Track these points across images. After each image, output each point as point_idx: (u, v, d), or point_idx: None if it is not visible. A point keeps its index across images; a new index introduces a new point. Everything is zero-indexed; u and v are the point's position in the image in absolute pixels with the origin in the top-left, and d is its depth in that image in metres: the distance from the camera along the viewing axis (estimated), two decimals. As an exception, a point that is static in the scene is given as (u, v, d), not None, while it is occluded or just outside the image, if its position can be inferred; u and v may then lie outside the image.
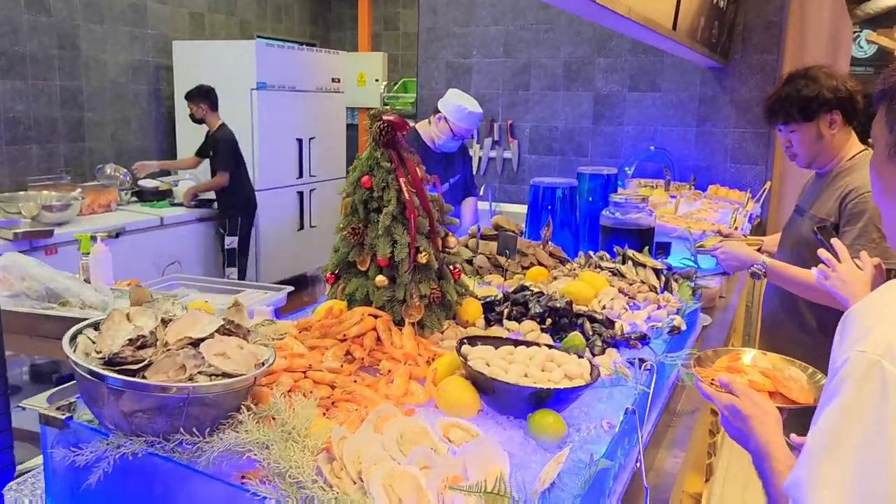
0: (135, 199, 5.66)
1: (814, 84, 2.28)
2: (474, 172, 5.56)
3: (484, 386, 1.36)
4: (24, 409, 1.73)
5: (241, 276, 5.86)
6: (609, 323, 1.84)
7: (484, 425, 1.32)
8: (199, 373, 1.13)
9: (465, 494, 1.04)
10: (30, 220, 4.61)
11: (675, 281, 2.31)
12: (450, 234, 1.84)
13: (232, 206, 5.65)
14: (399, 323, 1.71)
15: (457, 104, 3.52)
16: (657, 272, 2.30)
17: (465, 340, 1.50)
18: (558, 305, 1.82)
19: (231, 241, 5.71)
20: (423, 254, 1.70)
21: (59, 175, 5.58)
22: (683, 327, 1.96)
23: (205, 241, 5.80)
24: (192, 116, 5.58)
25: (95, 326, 1.21)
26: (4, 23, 5.19)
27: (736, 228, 3.24)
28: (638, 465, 1.35)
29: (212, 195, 5.70)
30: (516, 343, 1.54)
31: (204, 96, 5.47)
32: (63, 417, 1.19)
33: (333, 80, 7.17)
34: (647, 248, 2.53)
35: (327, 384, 1.40)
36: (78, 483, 1.16)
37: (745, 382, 1.42)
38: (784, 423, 1.27)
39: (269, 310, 2.23)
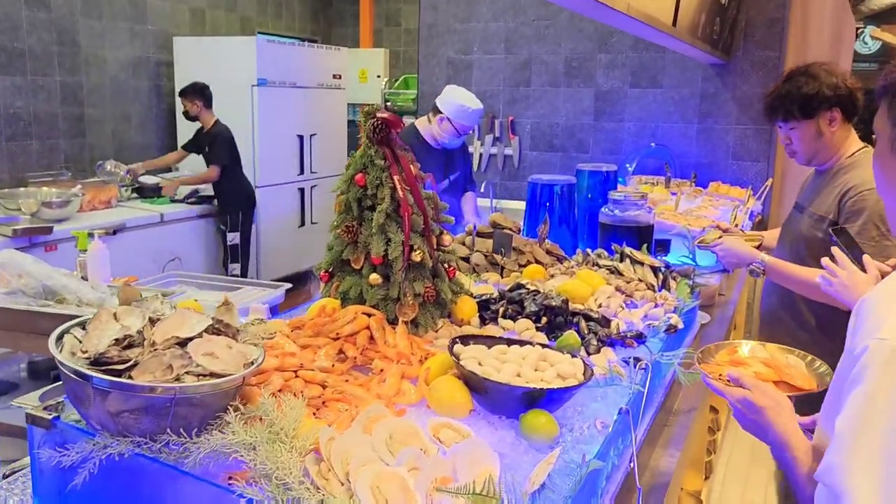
0: (135, 195, 5.66)
1: (814, 81, 2.27)
2: (475, 169, 5.57)
3: (476, 386, 1.35)
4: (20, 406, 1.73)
5: (243, 272, 5.86)
6: (605, 322, 1.82)
7: (476, 425, 1.31)
8: (187, 373, 1.12)
9: (453, 496, 1.03)
10: (29, 217, 4.60)
11: (674, 279, 2.29)
12: (444, 232, 1.83)
13: (230, 202, 5.65)
14: (393, 321, 1.69)
15: (458, 104, 3.51)
16: (655, 270, 2.28)
17: (457, 340, 1.48)
18: (554, 304, 1.81)
19: (233, 237, 5.71)
20: (418, 252, 1.69)
21: (59, 171, 5.57)
22: (680, 326, 1.95)
23: (206, 237, 5.79)
24: (186, 114, 5.58)
25: (83, 326, 1.20)
26: (4, 19, 5.18)
27: (736, 225, 3.22)
28: (632, 465, 1.34)
29: (211, 192, 5.70)
30: (510, 342, 1.53)
31: (198, 93, 5.47)
32: (50, 417, 1.18)
33: (334, 76, 7.15)
34: (645, 245, 2.51)
35: (318, 383, 1.39)
36: (65, 483, 1.15)
37: (751, 374, 1.44)
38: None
39: (264, 308, 2.22)
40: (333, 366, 1.46)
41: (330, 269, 1.81)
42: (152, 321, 1.20)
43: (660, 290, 2.21)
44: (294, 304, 2.32)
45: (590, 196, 3.01)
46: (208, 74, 5.95)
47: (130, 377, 1.09)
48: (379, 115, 1.68)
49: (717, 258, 2.53)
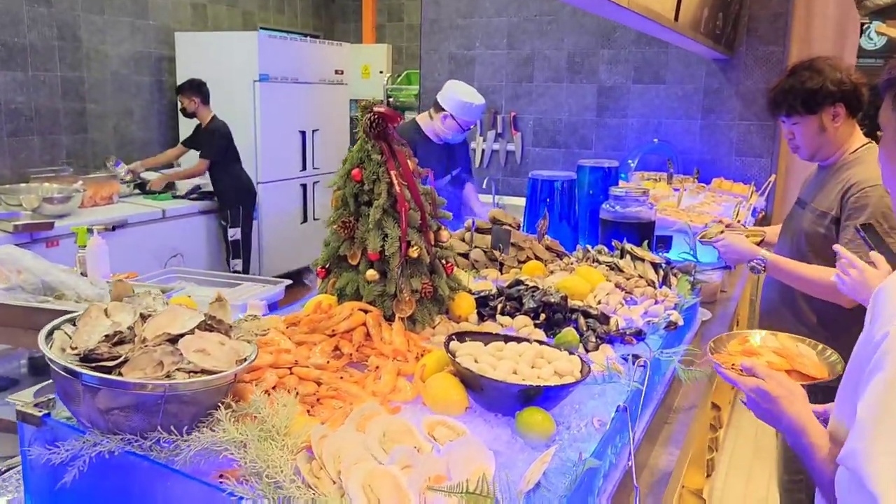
0: (137, 191, 5.65)
1: (818, 76, 2.24)
2: (477, 165, 5.55)
3: (472, 383, 1.34)
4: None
5: (245, 268, 5.85)
6: (604, 318, 1.81)
7: (471, 423, 1.29)
8: (178, 370, 1.11)
9: (445, 495, 1.01)
10: (30, 213, 4.60)
11: (674, 275, 2.27)
12: (442, 227, 1.81)
13: (229, 196, 5.63)
14: (390, 318, 1.68)
15: (460, 100, 3.49)
16: (656, 266, 2.26)
17: (453, 336, 1.47)
18: (553, 300, 1.79)
19: (234, 233, 5.70)
20: (415, 248, 1.68)
21: (61, 167, 5.56)
22: (680, 323, 1.93)
23: (207, 233, 5.78)
24: (183, 110, 5.58)
25: (73, 322, 1.19)
26: (4, 13, 5.17)
27: (739, 221, 3.20)
28: (629, 463, 1.33)
29: (210, 187, 5.69)
30: (507, 339, 1.51)
31: (196, 90, 5.46)
32: (40, 415, 1.17)
33: (337, 71, 7.13)
34: (646, 242, 2.50)
35: (313, 380, 1.38)
36: (57, 481, 1.14)
37: (763, 364, 1.45)
38: None
39: (262, 304, 2.21)
40: (328, 362, 1.45)
41: (327, 265, 1.80)
42: (143, 317, 1.18)
43: (660, 287, 2.19)
44: (295, 300, 2.31)
45: (591, 192, 2.99)
46: (210, 70, 5.93)
47: (120, 374, 1.08)
48: (376, 109, 1.66)
49: (719, 254, 2.52)
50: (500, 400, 1.32)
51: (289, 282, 3.02)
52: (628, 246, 2.36)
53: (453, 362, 1.36)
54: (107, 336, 1.11)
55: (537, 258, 2.36)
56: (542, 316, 1.78)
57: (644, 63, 5.02)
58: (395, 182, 1.67)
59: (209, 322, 1.22)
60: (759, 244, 2.53)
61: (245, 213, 5.75)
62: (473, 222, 2.43)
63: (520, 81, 5.40)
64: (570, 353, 1.48)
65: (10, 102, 5.27)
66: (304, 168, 6.80)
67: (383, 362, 1.48)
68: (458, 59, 5.54)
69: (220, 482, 1.04)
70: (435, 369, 1.43)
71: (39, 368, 2.80)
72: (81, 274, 2.80)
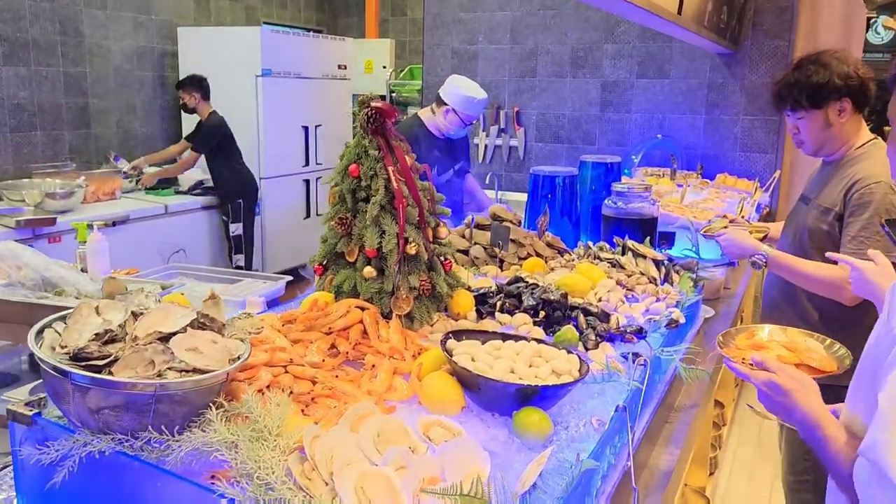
0: (139, 186, 5.64)
1: (825, 70, 2.21)
2: (480, 160, 5.53)
3: (468, 382, 1.32)
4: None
5: (248, 263, 5.84)
6: (604, 316, 1.79)
7: (468, 423, 1.28)
8: (169, 368, 1.09)
9: (439, 497, 1.00)
10: (33, 208, 4.59)
11: (676, 272, 2.25)
12: (441, 223, 1.79)
13: (228, 191, 5.62)
14: (388, 315, 1.66)
15: (463, 95, 3.47)
16: (657, 263, 2.24)
17: (450, 335, 1.45)
18: (552, 298, 1.77)
19: (235, 228, 5.69)
20: (413, 244, 1.66)
21: (63, 162, 5.56)
22: (682, 320, 1.91)
23: (210, 229, 5.78)
24: (184, 106, 5.56)
25: (64, 320, 1.17)
26: (6, 8, 5.16)
27: (742, 217, 3.17)
28: (628, 464, 1.31)
29: (210, 183, 5.68)
30: (505, 337, 1.49)
31: (196, 85, 5.45)
32: (31, 414, 1.15)
33: (340, 66, 7.10)
34: (648, 238, 2.47)
35: (308, 379, 1.36)
36: (48, 480, 1.13)
37: (773, 357, 1.45)
38: None
39: (260, 300, 2.20)
40: (324, 361, 1.43)
41: (324, 262, 1.78)
42: (135, 315, 1.17)
43: (662, 284, 2.17)
44: (297, 296, 2.29)
45: (593, 188, 2.97)
46: (212, 65, 5.91)
47: (110, 373, 1.07)
48: (373, 104, 1.64)
49: (721, 248, 2.49)
50: (497, 399, 1.30)
51: (289, 278, 3.01)
52: (630, 242, 2.34)
53: (450, 361, 1.34)
54: (97, 335, 1.10)
55: (538, 255, 2.34)
56: (542, 313, 1.76)
57: (648, 57, 4.99)
58: (393, 178, 1.65)
59: (202, 320, 1.21)
60: (762, 240, 2.51)
61: (246, 208, 5.74)
62: (473, 218, 2.41)
63: (523, 76, 5.37)
64: (569, 351, 1.46)
65: (13, 98, 5.27)
66: (307, 163, 6.79)
67: (380, 361, 1.47)
68: (461, 54, 5.51)
69: (212, 483, 1.03)
70: (432, 368, 1.41)
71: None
72: (82, 270, 2.79)
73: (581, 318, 1.75)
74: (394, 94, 7.96)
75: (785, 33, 4.61)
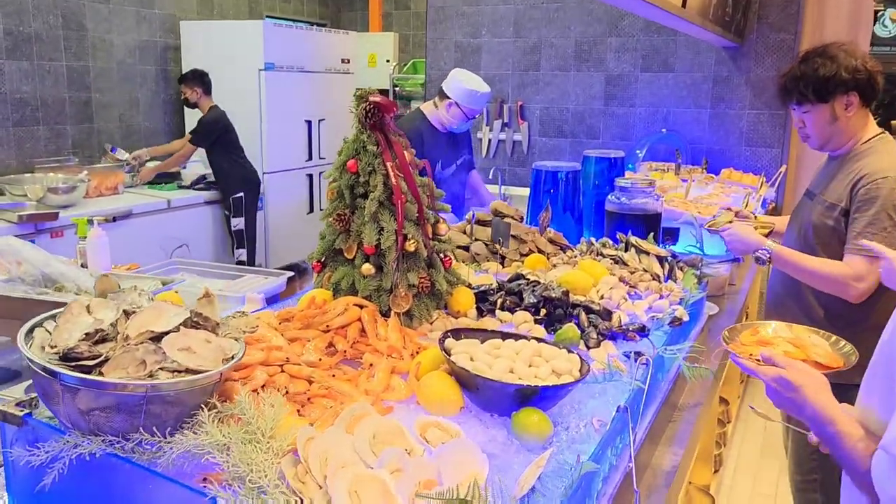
0: (137, 182, 5.62)
1: (832, 63, 2.17)
2: (483, 155, 5.50)
3: (467, 382, 1.30)
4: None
5: (250, 258, 5.82)
6: (606, 314, 1.76)
7: (466, 424, 1.26)
8: (161, 369, 1.07)
9: (435, 501, 0.98)
10: (35, 203, 4.58)
11: (680, 269, 2.22)
12: (440, 220, 1.77)
13: (228, 185, 5.60)
14: (386, 313, 1.64)
15: (466, 89, 3.44)
16: (661, 260, 2.21)
17: (449, 333, 1.43)
18: (553, 295, 1.75)
19: (237, 223, 5.67)
20: (412, 241, 1.63)
21: (66, 157, 5.55)
22: (686, 318, 1.88)
23: (213, 223, 5.76)
24: (185, 100, 5.55)
25: (55, 318, 1.15)
26: (9, 2, 5.14)
27: (748, 210, 3.13)
28: (630, 465, 1.29)
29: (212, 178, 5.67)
30: (504, 336, 1.47)
31: (198, 80, 5.44)
32: (21, 414, 1.14)
33: (343, 60, 7.07)
34: (652, 234, 2.44)
35: (304, 379, 1.34)
36: (38, 481, 1.11)
37: (780, 354, 1.44)
38: None
39: (259, 297, 2.18)
40: (321, 360, 1.41)
41: (322, 259, 1.76)
42: (127, 314, 1.15)
43: (666, 281, 2.14)
44: (298, 292, 2.27)
45: (597, 183, 2.94)
46: (215, 59, 5.89)
47: (101, 373, 1.05)
48: (371, 98, 1.62)
49: (725, 244, 2.46)
50: (496, 400, 1.28)
51: (290, 274, 2.99)
52: (633, 238, 2.31)
53: (448, 361, 1.32)
54: (87, 334, 1.08)
55: (540, 251, 2.31)
56: (543, 311, 1.73)
57: (652, 51, 4.94)
58: (392, 173, 1.62)
59: (195, 319, 1.19)
60: (768, 235, 2.48)
61: (248, 202, 5.72)
62: (474, 214, 2.38)
63: (526, 70, 5.34)
64: (570, 350, 1.44)
65: (16, 92, 5.25)
66: (310, 158, 6.76)
67: (378, 360, 1.44)
68: (465, 48, 5.47)
69: (203, 486, 1.01)
70: (430, 367, 1.39)
71: (41, 361, 2.78)
72: (82, 265, 2.77)
73: (583, 316, 1.72)
74: (397, 89, 7.92)
75: (791, 26, 4.56)
